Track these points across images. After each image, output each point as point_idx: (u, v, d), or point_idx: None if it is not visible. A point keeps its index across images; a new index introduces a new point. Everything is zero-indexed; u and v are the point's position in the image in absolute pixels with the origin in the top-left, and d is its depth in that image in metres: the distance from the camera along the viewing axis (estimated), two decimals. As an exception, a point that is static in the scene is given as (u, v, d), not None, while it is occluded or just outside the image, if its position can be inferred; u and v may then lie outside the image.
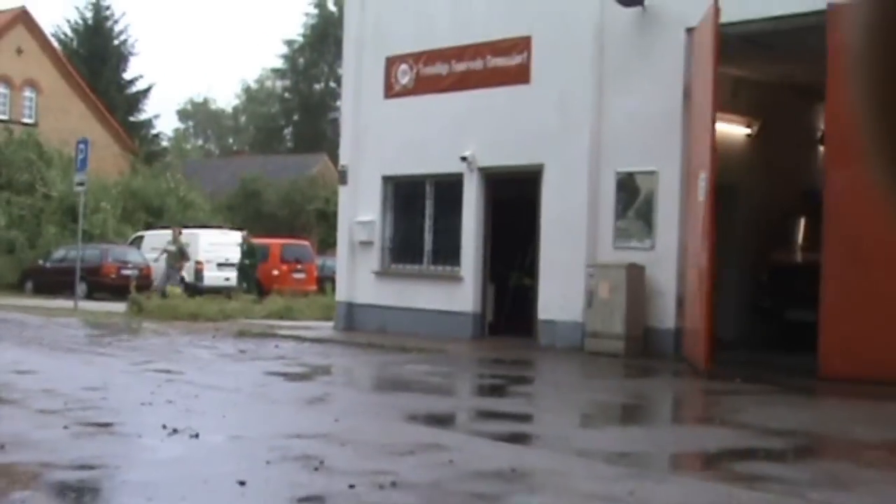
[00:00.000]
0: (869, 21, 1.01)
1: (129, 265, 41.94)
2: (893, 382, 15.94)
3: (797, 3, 19.79)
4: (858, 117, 1.07)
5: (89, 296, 40.00)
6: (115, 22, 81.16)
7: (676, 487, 9.98)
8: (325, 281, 42.08)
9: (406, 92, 26.67)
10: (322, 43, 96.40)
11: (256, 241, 47.30)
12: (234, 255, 44.04)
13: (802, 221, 25.13)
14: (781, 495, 9.51)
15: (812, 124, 28.49)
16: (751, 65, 24.29)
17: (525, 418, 14.39)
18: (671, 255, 21.35)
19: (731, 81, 24.42)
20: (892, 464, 11.72)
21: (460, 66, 25.41)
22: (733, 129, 25.62)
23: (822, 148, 28.48)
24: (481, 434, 12.70)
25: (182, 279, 38.34)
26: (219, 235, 46.84)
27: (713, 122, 19.44)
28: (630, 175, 21.69)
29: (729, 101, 24.11)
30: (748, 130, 26.48)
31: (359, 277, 27.58)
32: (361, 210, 27.52)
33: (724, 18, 20.67)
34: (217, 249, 45.08)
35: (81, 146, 35.60)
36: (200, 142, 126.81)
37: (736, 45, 21.88)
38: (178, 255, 34.81)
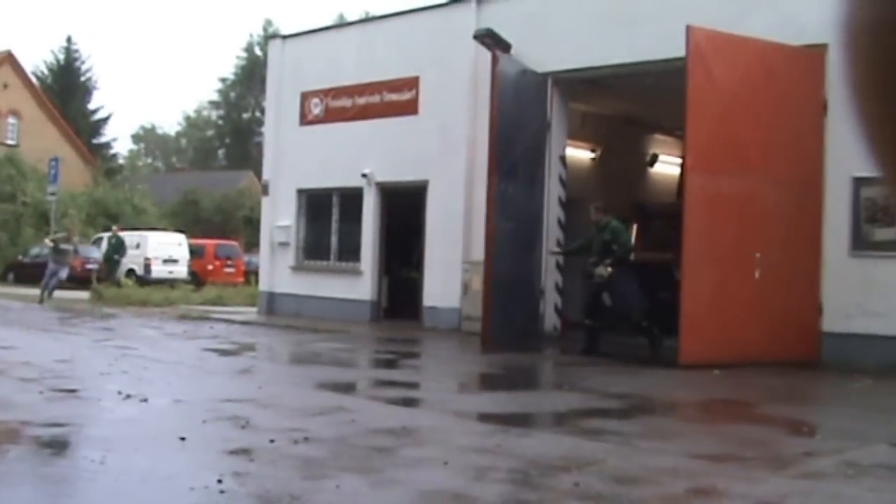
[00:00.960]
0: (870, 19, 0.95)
1: (92, 261, 41.32)
2: (743, 364, 16.09)
3: (629, 54, 20.07)
4: (856, 112, 1.01)
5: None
6: (83, 62, 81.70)
7: (535, 440, 10.02)
8: (251, 274, 41.94)
9: (317, 120, 26.66)
10: (250, 80, 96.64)
11: (195, 241, 47.16)
12: (177, 253, 43.88)
13: (635, 227, 25.38)
14: (618, 445, 9.58)
15: (643, 150, 28.86)
16: (595, 101, 24.56)
17: (413, 386, 14.40)
18: (543, 259, 21.51)
19: (579, 114, 24.69)
20: (702, 419, 11.91)
21: (362, 100, 25.45)
22: (581, 153, 25.84)
23: (650, 169, 28.96)
24: (378, 399, 12.70)
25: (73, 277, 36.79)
26: (164, 237, 46.57)
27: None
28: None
29: (578, 130, 24.36)
30: (592, 154, 26.74)
31: (278, 271, 27.55)
32: (280, 216, 27.49)
33: (573, 65, 21.00)
34: (163, 248, 44.91)
35: (53, 163, 35.64)
36: (150, 160, 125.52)
37: (583, 85, 22.15)
38: (70, 255, 33.16)
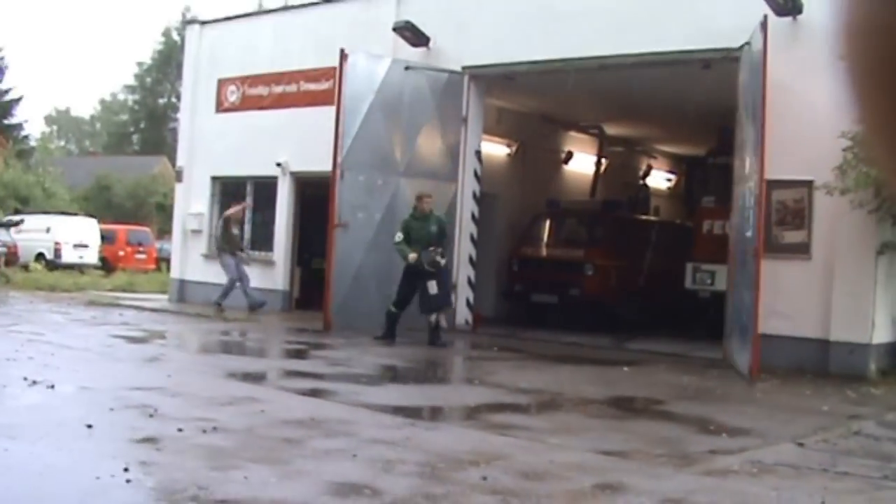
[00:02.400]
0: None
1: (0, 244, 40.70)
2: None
3: (547, 51, 20.15)
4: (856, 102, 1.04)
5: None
6: (-7, 42, 80.00)
7: (443, 434, 10.05)
8: (162, 261, 41.61)
9: (233, 108, 26.45)
10: (167, 65, 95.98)
11: (106, 226, 46.64)
12: (88, 238, 43.33)
13: (547, 224, 25.52)
14: (526, 440, 9.64)
15: (558, 147, 29.02)
16: (511, 98, 24.63)
17: (323, 377, 14.32)
18: (456, 254, 21.51)
19: (495, 110, 24.75)
20: (610, 415, 11.96)
21: (279, 89, 25.31)
22: (497, 149, 25.92)
23: (565, 166, 29.13)
24: (287, 389, 12.64)
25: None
26: (75, 221, 45.71)
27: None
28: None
29: (494, 126, 24.43)
30: (508, 150, 26.82)
31: (190, 259, 27.29)
32: (193, 204, 27.24)
33: (491, 60, 21.03)
34: (73, 233, 44.05)
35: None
36: (63, 143, 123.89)
37: (499, 82, 22.22)
38: None
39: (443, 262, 18.69)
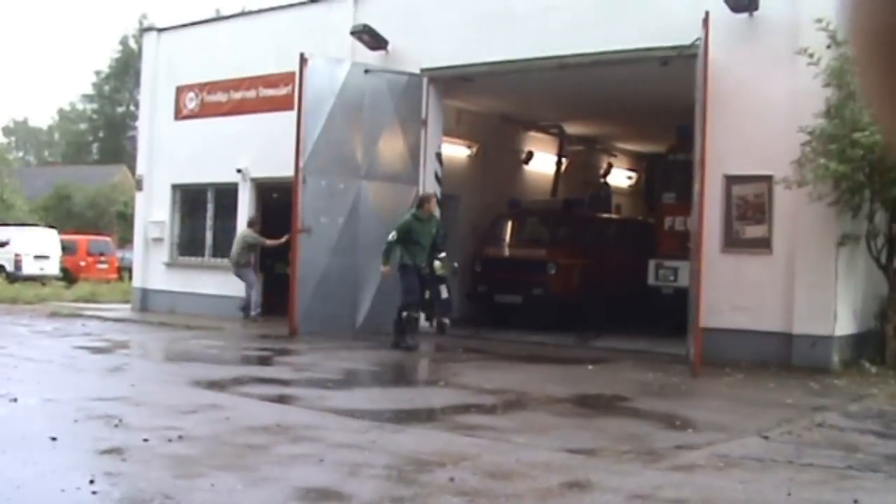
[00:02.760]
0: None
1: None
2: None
3: (505, 52, 20.19)
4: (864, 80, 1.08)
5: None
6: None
7: (409, 436, 10.03)
8: (124, 270, 41.46)
9: (193, 115, 26.37)
10: (125, 73, 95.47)
11: (66, 237, 46.35)
12: (48, 249, 43.03)
13: (509, 224, 25.57)
14: (492, 440, 9.65)
15: (518, 147, 29.08)
16: (470, 99, 24.65)
17: (287, 382, 14.29)
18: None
19: (455, 111, 24.78)
20: (576, 413, 11.98)
21: (238, 95, 25.25)
22: (457, 151, 25.94)
23: (526, 166, 29.19)
24: (252, 396, 12.57)
25: None
26: (36, 233, 45.32)
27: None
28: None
29: (454, 127, 24.45)
30: (469, 151, 26.84)
31: (152, 267, 27.19)
32: (154, 212, 27.13)
33: (448, 62, 21.05)
34: (34, 244, 43.67)
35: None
36: (21, 154, 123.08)
37: (458, 83, 22.23)
38: None
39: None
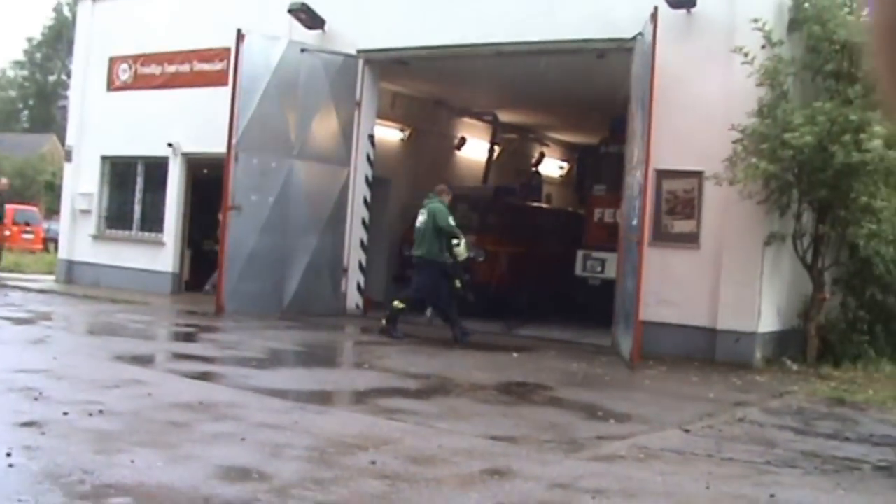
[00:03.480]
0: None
1: None
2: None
3: (439, 37, 20.16)
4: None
5: None
6: None
7: (332, 418, 10.02)
8: (50, 242, 40.97)
9: (125, 87, 26.09)
10: (57, 41, 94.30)
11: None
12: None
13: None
14: (415, 424, 9.67)
15: (450, 132, 29.08)
16: (405, 82, 24.61)
17: (212, 360, 14.23)
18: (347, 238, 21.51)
19: (390, 94, 24.72)
20: (499, 400, 12.01)
21: (171, 69, 25.01)
22: (390, 134, 25.89)
23: (458, 152, 29.20)
24: (176, 372, 12.51)
25: None
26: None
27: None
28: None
29: (388, 110, 24.40)
30: (402, 135, 26.79)
31: (78, 239, 26.86)
32: (83, 184, 26.80)
33: (382, 45, 20.99)
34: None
35: None
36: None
37: (394, 66, 22.17)
38: None
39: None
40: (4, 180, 25.25)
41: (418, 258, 18.45)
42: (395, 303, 18.55)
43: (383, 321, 18.34)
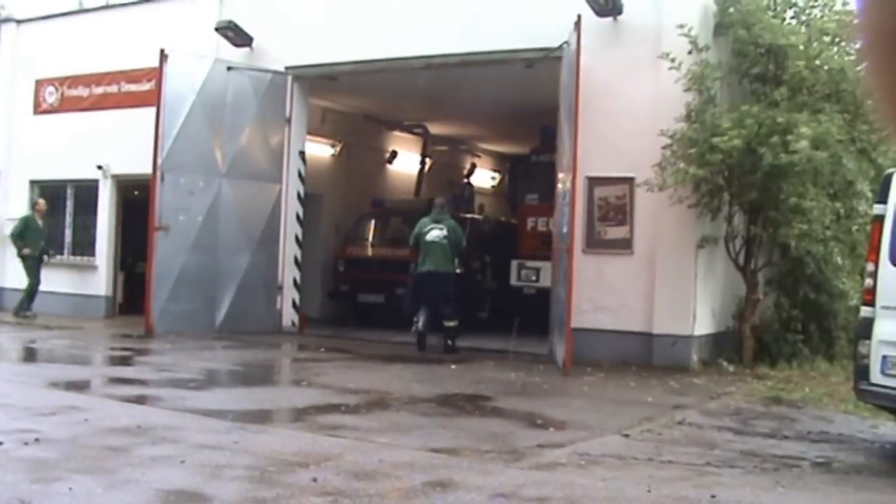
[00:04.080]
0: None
1: None
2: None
3: (367, 52, 20.18)
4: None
5: None
6: None
7: (272, 436, 9.97)
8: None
9: (52, 110, 25.86)
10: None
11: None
12: None
13: (372, 223, 25.56)
14: (355, 440, 9.63)
15: (382, 146, 29.10)
16: (335, 97, 24.59)
17: (148, 383, 14.08)
18: (281, 255, 21.44)
19: (320, 110, 24.69)
20: (439, 412, 11.98)
21: (99, 90, 24.84)
22: (321, 149, 25.85)
23: (389, 166, 29.23)
24: (112, 397, 12.39)
25: None
26: None
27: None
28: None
29: (318, 126, 24.36)
30: (333, 150, 26.77)
31: (8, 265, 26.51)
32: (11, 209, 26.47)
33: (311, 61, 20.98)
34: None
35: None
36: None
37: (323, 82, 22.16)
38: None
39: None
40: (42, 201, 24.89)
41: (434, 272, 18.67)
42: (450, 324, 18.78)
43: (448, 342, 18.76)
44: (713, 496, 7.61)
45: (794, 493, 8.00)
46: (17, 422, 9.94)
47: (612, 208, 17.64)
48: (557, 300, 17.19)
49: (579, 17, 16.20)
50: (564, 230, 16.55)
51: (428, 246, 18.72)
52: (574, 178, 16.09)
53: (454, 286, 18.81)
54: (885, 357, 9.91)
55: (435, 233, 18.70)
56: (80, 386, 13.64)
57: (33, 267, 23.93)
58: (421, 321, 18.82)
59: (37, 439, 8.86)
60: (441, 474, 8.13)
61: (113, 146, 24.09)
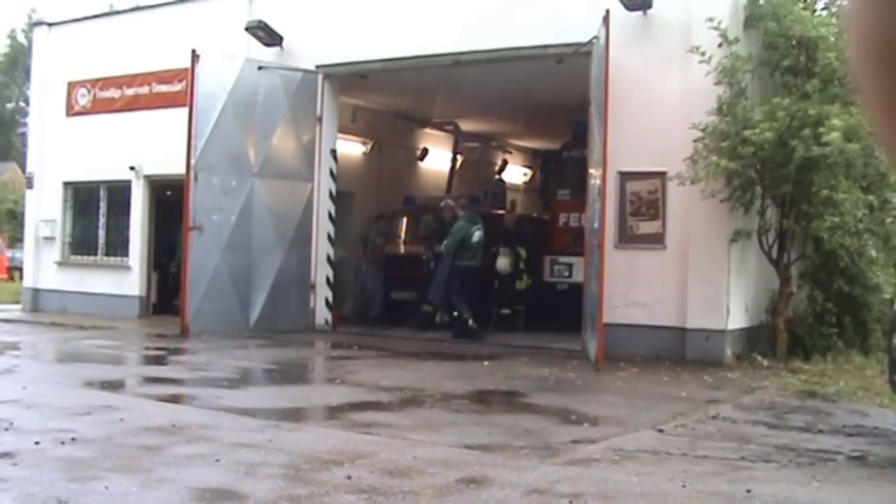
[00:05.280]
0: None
1: None
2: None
3: (397, 49, 20.18)
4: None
5: None
6: None
7: (306, 434, 9.99)
8: (15, 270, 40.74)
9: (84, 111, 25.99)
10: (14, 68, 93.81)
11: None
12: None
13: (404, 220, 25.54)
14: (389, 437, 9.64)
15: (413, 143, 29.10)
16: (365, 95, 24.62)
17: (182, 382, 14.16)
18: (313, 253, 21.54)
19: (351, 108, 24.72)
20: (472, 409, 11.99)
21: (130, 91, 24.94)
22: (352, 147, 25.88)
23: (420, 163, 29.24)
24: (147, 396, 12.44)
25: None
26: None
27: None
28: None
29: (349, 124, 24.40)
30: (364, 148, 26.80)
31: (43, 267, 26.72)
32: (45, 210, 26.67)
33: (341, 59, 20.98)
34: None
35: None
36: None
37: (353, 80, 22.17)
38: None
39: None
40: None
41: (477, 267, 20.81)
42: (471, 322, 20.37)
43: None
44: (748, 491, 7.58)
45: (829, 488, 7.96)
46: (53, 421, 10.00)
47: (645, 203, 17.59)
48: (589, 296, 17.15)
49: (608, 11, 16.17)
50: (595, 225, 16.52)
51: (473, 245, 20.43)
52: (604, 173, 16.05)
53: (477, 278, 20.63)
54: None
55: (478, 234, 20.48)
56: (114, 385, 13.71)
57: None
58: (465, 309, 20.12)
59: (73, 439, 8.92)
60: (475, 471, 8.13)
61: (145, 147, 24.21)
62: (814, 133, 15.24)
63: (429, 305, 21.43)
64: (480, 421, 11.07)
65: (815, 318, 18.48)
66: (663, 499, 7.48)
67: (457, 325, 20.43)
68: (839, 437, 10.34)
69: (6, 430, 9.42)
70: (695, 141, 16.28)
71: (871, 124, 1.09)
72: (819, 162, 15.48)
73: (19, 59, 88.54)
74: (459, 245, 20.18)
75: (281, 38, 21.58)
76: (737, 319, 17.22)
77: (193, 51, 19.99)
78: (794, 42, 16.86)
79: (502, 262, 20.35)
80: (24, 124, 65.23)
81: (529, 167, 35.08)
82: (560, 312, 20.79)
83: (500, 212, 27.42)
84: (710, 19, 16.13)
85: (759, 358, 16.66)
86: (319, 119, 21.74)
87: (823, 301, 18.71)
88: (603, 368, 15.45)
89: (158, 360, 17.15)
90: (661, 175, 17.17)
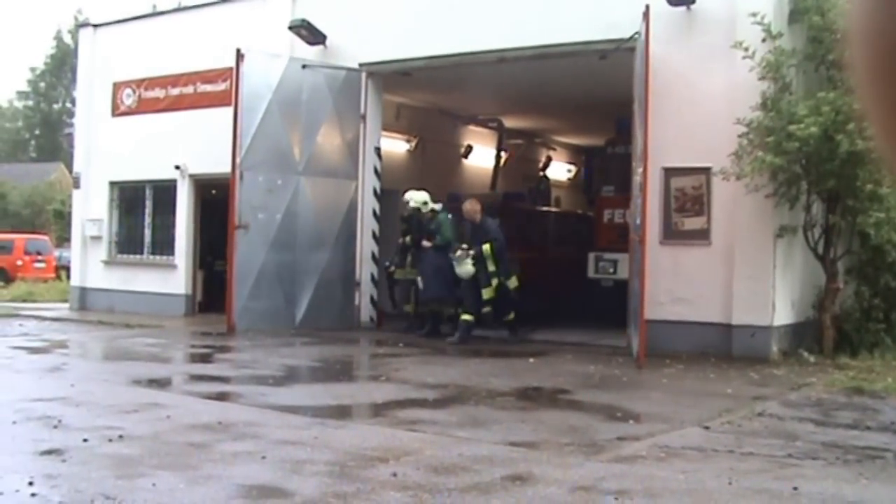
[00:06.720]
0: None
1: None
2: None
3: (440, 47, 20.19)
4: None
5: None
6: None
7: (352, 432, 10.01)
8: (62, 269, 41.02)
9: (130, 111, 26.17)
10: (60, 70, 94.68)
11: (2, 236, 45.90)
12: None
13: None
14: (434, 434, 9.65)
15: (457, 141, 29.12)
16: (409, 93, 24.67)
17: (228, 380, 14.21)
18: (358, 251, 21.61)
19: (394, 106, 24.77)
20: (517, 406, 11.96)
21: (175, 91, 25.09)
22: (396, 145, 25.92)
23: (465, 160, 29.24)
24: (193, 394, 12.51)
25: None
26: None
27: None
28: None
29: (393, 122, 24.44)
30: (408, 146, 26.84)
31: (90, 266, 26.93)
32: (92, 210, 26.87)
33: (384, 57, 21.04)
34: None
35: None
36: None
37: (397, 77, 22.22)
38: None
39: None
40: None
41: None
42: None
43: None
44: (795, 488, 7.53)
45: (877, 486, 7.90)
46: (101, 419, 10.09)
47: (689, 199, 17.52)
48: (634, 292, 17.11)
49: (647, 7, 16.13)
50: (638, 221, 16.48)
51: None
52: (645, 169, 16.01)
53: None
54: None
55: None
56: (161, 383, 13.80)
57: None
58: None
59: (120, 436, 8.99)
60: (520, 468, 8.13)
61: (190, 146, 24.36)
62: (859, 127, 15.13)
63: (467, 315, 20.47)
64: (526, 418, 11.06)
65: (862, 313, 18.34)
66: (709, 496, 7.45)
67: (462, 327, 19.31)
68: (887, 434, 10.26)
69: (55, 427, 9.52)
70: (739, 136, 16.20)
71: (872, 124, 1.06)
72: (864, 156, 15.36)
73: (66, 60, 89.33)
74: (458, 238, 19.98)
75: (324, 37, 21.64)
76: (783, 315, 17.12)
77: (238, 50, 20.09)
78: (838, 36, 16.74)
79: (463, 269, 19.15)
80: (71, 125, 65.68)
81: (574, 164, 35.06)
82: (605, 309, 20.74)
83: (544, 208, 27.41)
84: (754, 14, 16.04)
85: (806, 354, 16.55)
86: (363, 117, 21.79)
87: (870, 297, 18.56)
88: (648, 365, 15.40)
89: (204, 358, 17.24)
90: (706, 171, 17.10)
